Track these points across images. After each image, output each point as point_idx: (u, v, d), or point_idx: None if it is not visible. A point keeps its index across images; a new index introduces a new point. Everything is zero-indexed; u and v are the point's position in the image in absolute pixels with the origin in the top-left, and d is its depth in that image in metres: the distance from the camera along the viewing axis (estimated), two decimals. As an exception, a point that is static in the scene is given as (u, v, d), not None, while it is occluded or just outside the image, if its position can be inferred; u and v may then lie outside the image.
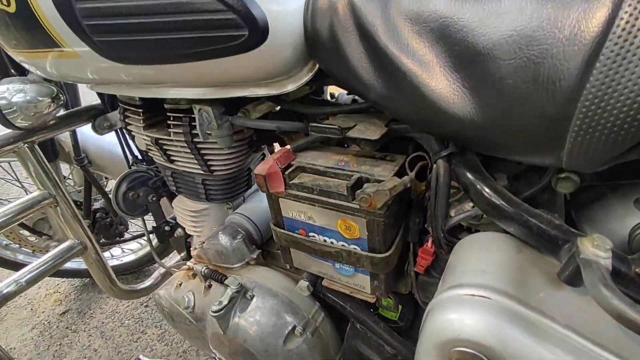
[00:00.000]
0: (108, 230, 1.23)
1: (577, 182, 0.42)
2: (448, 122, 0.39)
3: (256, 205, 0.82)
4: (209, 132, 0.64)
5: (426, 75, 0.39)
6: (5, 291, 0.84)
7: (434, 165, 0.49)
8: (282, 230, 0.61)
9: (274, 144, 0.81)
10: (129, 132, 0.80)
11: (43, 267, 0.90)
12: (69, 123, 0.89)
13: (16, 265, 1.32)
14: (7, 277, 0.87)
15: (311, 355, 0.67)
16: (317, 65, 0.52)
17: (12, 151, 0.81)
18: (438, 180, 0.48)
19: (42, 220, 1.26)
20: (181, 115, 0.67)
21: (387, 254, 0.53)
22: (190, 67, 0.51)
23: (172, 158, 0.77)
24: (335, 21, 0.45)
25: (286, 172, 0.55)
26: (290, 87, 0.53)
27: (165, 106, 0.69)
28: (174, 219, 0.94)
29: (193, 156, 0.72)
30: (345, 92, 0.71)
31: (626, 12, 0.27)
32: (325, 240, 0.58)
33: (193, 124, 0.65)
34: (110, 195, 0.93)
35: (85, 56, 0.55)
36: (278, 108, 0.69)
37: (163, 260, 1.10)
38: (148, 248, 1.41)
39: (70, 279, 1.60)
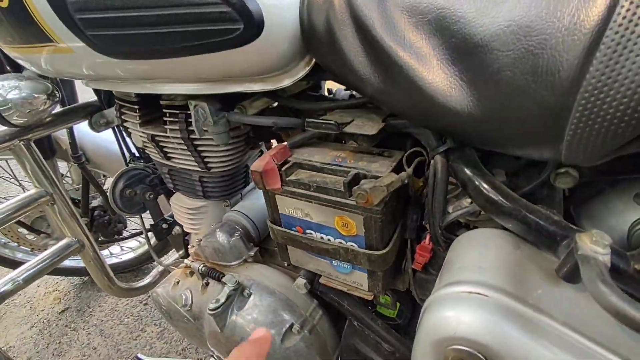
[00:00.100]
0: (106, 228, 1.23)
1: (576, 177, 0.41)
2: (445, 116, 0.39)
3: (254, 202, 0.81)
4: (205, 128, 0.63)
5: (423, 69, 0.38)
6: (2, 289, 0.84)
7: (432, 161, 0.48)
8: (279, 228, 0.60)
9: (272, 140, 0.81)
10: (126, 129, 0.79)
11: (41, 265, 0.90)
12: (65, 120, 0.88)
13: (15, 264, 1.32)
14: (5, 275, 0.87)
15: (309, 353, 0.67)
16: (314, 60, 0.51)
17: (8, 149, 0.80)
18: (436, 176, 0.48)
19: (40, 219, 1.26)
20: (177, 111, 0.66)
21: (384, 251, 0.52)
22: (185, 61, 0.50)
23: (169, 155, 0.76)
24: (331, 14, 0.44)
25: (282, 169, 0.54)
26: (286, 82, 0.53)
27: (161, 102, 0.68)
28: (172, 216, 0.94)
29: (190, 153, 0.71)
30: (343, 87, 0.70)
31: (627, 1, 0.26)
32: (322, 238, 0.57)
33: (189, 120, 0.64)
34: (108, 193, 0.93)
35: (79, 51, 0.55)
36: (275, 104, 0.68)
37: (161, 258, 1.10)
38: (147, 246, 1.41)
39: (69, 277, 1.60)
